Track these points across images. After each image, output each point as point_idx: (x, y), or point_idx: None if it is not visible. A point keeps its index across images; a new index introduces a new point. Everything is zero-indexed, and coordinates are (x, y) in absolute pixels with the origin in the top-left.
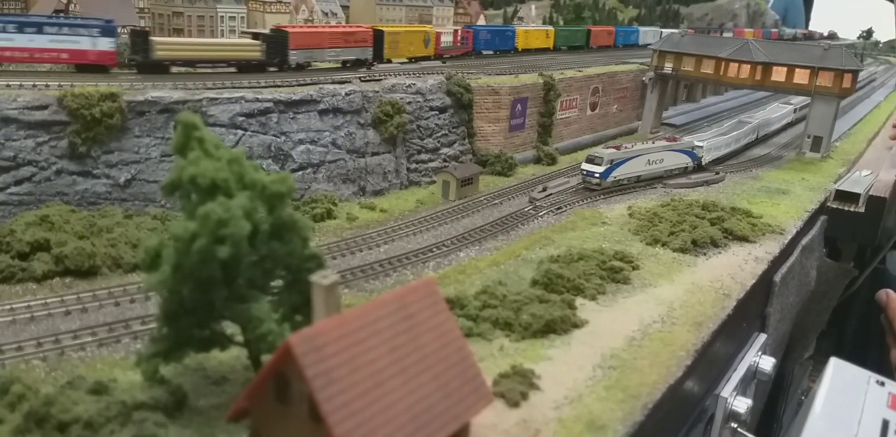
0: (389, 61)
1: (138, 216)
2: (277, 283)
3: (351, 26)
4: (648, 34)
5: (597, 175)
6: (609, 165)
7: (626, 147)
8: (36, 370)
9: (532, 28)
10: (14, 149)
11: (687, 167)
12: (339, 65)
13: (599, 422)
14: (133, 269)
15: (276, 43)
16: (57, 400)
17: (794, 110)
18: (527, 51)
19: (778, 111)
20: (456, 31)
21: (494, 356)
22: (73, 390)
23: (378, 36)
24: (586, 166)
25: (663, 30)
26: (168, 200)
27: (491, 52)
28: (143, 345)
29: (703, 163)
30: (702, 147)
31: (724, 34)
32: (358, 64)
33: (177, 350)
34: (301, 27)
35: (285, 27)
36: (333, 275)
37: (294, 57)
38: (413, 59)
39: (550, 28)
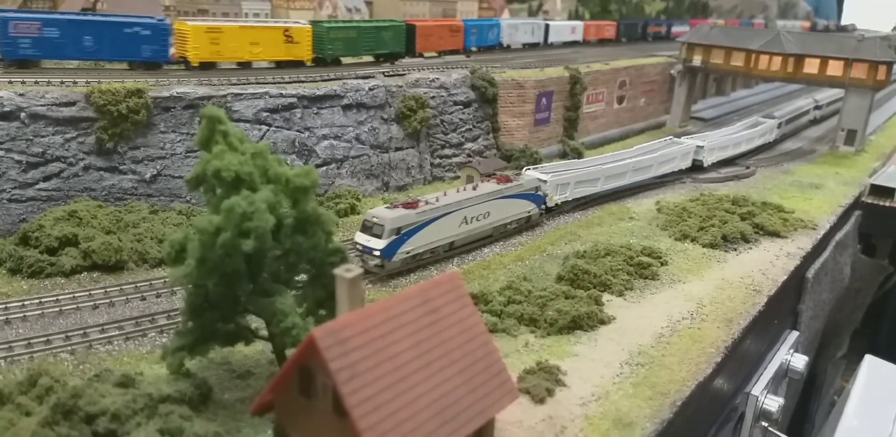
0: None
1: (164, 212)
2: (301, 277)
3: None
4: (520, 30)
5: (376, 253)
6: (394, 236)
7: (426, 202)
8: (64, 362)
9: (254, 24)
10: (43, 145)
11: (530, 217)
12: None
13: (627, 419)
14: (159, 264)
15: None
16: (84, 393)
17: (779, 125)
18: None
19: (754, 127)
20: None
21: (519, 352)
22: (101, 382)
23: None
24: (361, 239)
25: (550, 23)
26: (193, 196)
27: None
28: (168, 339)
29: (549, 204)
30: (545, 182)
31: (674, 29)
32: None
33: (202, 344)
34: None
35: None
36: (357, 268)
37: None
38: None
39: (307, 25)
